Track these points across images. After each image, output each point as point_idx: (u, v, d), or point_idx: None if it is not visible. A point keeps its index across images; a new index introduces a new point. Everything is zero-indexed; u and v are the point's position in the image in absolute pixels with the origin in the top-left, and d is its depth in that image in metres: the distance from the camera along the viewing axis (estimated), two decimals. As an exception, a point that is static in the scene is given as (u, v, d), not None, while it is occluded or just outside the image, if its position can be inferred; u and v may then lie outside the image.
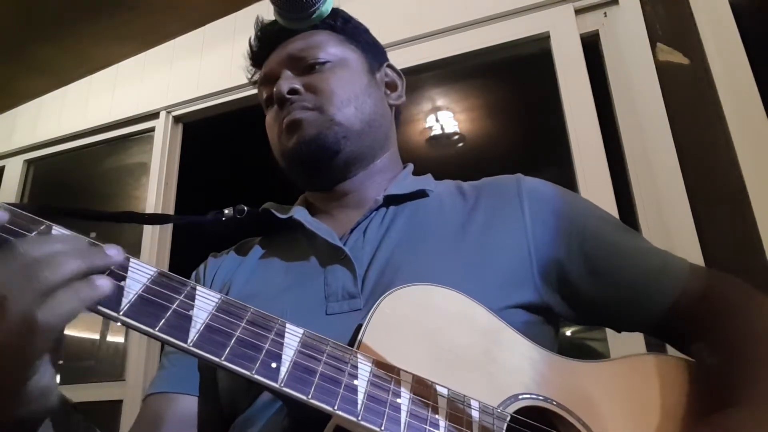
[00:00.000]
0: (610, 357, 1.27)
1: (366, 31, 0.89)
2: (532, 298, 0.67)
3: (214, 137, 2.37)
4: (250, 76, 0.90)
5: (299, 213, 0.77)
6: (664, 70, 1.39)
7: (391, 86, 0.87)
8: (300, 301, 0.68)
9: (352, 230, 0.75)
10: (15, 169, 2.44)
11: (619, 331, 0.73)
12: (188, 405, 0.71)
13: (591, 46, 1.55)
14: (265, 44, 0.84)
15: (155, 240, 1.95)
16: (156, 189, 2.02)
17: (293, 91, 0.77)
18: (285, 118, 0.76)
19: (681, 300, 0.66)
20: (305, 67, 0.79)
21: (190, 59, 2.14)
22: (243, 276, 0.76)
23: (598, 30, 1.56)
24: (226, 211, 0.77)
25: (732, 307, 0.64)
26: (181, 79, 2.13)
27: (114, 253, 0.45)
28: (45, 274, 0.40)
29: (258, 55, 0.86)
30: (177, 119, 2.16)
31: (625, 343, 1.21)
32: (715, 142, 1.29)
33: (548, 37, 1.57)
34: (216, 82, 2.03)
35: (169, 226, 2.01)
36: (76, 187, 2.50)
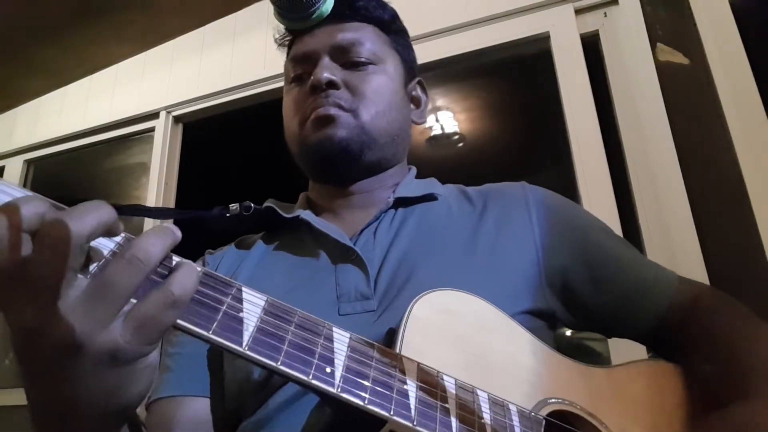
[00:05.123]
0: (609, 357, 1.27)
1: (409, 43, 0.88)
2: (540, 304, 0.68)
3: (214, 137, 2.37)
4: (279, 37, 0.87)
5: (305, 213, 0.76)
6: (664, 70, 1.39)
7: (415, 102, 0.87)
8: (310, 301, 0.65)
9: (361, 231, 0.74)
10: (15, 169, 2.44)
11: (609, 336, 0.75)
12: (200, 407, 0.67)
13: (591, 46, 1.55)
14: None
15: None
16: (156, 189, 2.02)
17: (332, 84, 0.74)
18: (317, 109, 0.74)
19: (670, 310, 0.70)
20: (348, 62, 0.77)
21: (190, 59, 2.14)
22: (247, 271, 0.74)
23: (598, 30, 1.55)
24: (232, 207, 0.76)
25: (715, 316, 0.68)
26: (181, 79, 2.13)
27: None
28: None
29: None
30: (177, 119, 2.16)
31: (625, 344, 1.20)
32: (715, 142, 1.29)
33: (548, 37, 1.57)
34: (216, 82, 2.03)
35: (170, 221, 2.01)
36: (76, 187, 2.49)
